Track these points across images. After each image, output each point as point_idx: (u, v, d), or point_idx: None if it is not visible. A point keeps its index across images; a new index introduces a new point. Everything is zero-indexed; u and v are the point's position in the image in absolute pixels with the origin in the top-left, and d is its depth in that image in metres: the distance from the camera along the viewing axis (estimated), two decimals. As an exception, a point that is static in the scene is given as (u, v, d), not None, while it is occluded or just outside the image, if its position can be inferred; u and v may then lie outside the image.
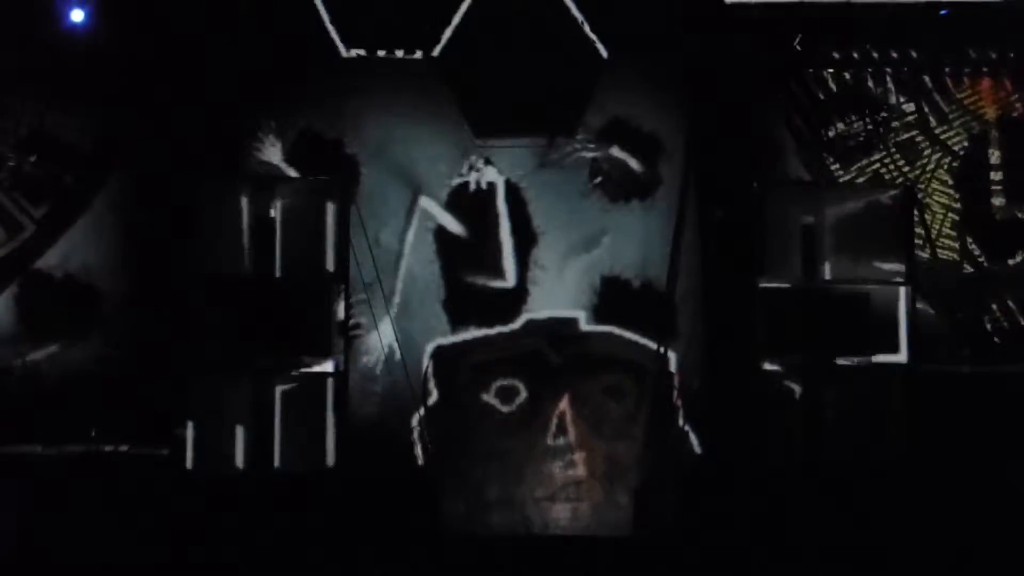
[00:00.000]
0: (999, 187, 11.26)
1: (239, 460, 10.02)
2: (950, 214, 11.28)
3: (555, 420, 10.78)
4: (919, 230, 10.77)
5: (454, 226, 11.16)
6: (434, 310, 11.04)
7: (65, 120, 11.11)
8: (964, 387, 10.60)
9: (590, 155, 11.16)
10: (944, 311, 11.07)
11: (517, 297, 11.10)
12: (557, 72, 11.06)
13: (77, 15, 10.89)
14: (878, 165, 11.33)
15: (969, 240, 11.24)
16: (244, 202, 10.12)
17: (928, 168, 11.31)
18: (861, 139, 11.29)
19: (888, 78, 11.30)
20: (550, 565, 10.08)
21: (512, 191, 11.16)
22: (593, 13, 11.09)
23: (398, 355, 10.75)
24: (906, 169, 11.32)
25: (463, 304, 11.06)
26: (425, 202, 11.14)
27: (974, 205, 11.27)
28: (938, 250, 11.20)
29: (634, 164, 11.17)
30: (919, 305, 10.42)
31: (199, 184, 10.16)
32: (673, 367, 10.79)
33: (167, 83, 10.95)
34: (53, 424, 10.46)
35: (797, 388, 10.15)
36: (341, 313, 10.14)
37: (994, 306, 11.19)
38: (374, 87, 11.14)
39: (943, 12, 11.04)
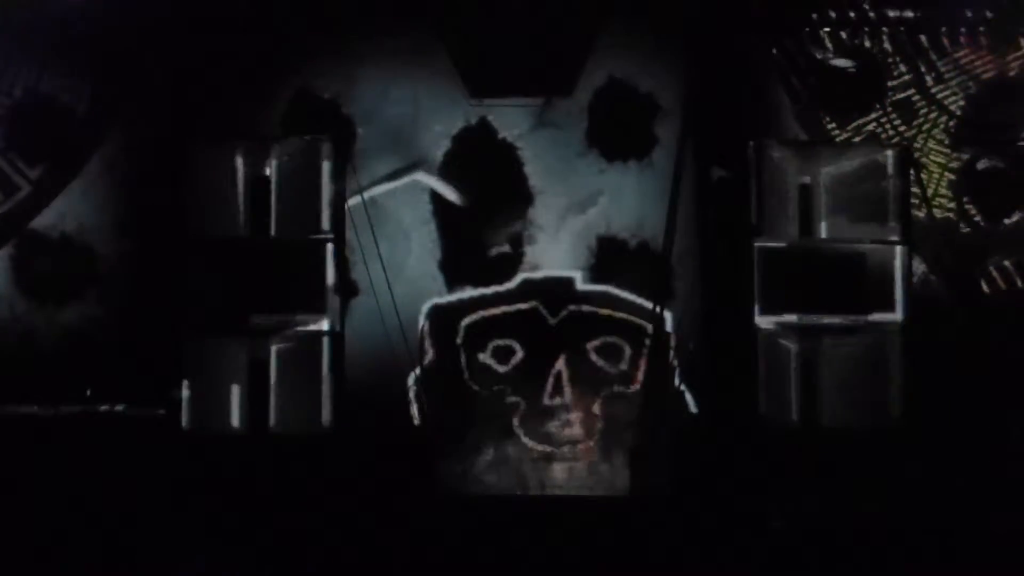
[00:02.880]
0: (996, 147, 11.24)
1: (235, 420, 10.05)
2: (947, 174, 11.26)
3: (551, 380, 10.78)
4: (915, 189, 10.77)
5: (450, 185, 11.14)
6: (430, 269, 11.03)
7: (61, 81, 11.08)
8: (959, 347, 10.63)
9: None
10: (940, 271, 11.06)
11: (513, 257, 11.09)
12: (554, 31, 11.01)
13: (72, -26, 10.84)
14: (874, 125, 11.30)
15: (965, 199, 11.22)
16: (239, 162, 10.12)
17: (924, 127, 11.29)
18: (858, 99, 11.27)
19: (885, 37, 11.27)
20: (546, 524, 10.11)
21: (508, 151, 11.15)
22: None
23: (394, 315, 10.74)
24: (903, 128, 11.30)
25: (459, 264, 11.06)
26: (421, 161, 11.12)
27: (971, 165, 11.24)
28: (934, 210, 11.18)
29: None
30: (915, 265, 10.45)
31: (194, 144, 10.17)
32: (669, 327, 10.79)
33: (164, 43, 10.93)
34: (49, 385, 10.49)
35: (793, 347, 10.19)
36: (337, 273, 10.16)
37: (990, 266, 11.18)
38: (371, 46, 11.10)
39: None
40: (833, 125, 11.24)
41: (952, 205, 11.22)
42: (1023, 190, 11.18)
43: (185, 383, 9.91)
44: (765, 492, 9.83)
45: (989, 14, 11.16)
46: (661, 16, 11.01)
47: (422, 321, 10.89)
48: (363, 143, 11.06)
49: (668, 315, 10.86)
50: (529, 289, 10.93)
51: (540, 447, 10.78)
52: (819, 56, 11.13)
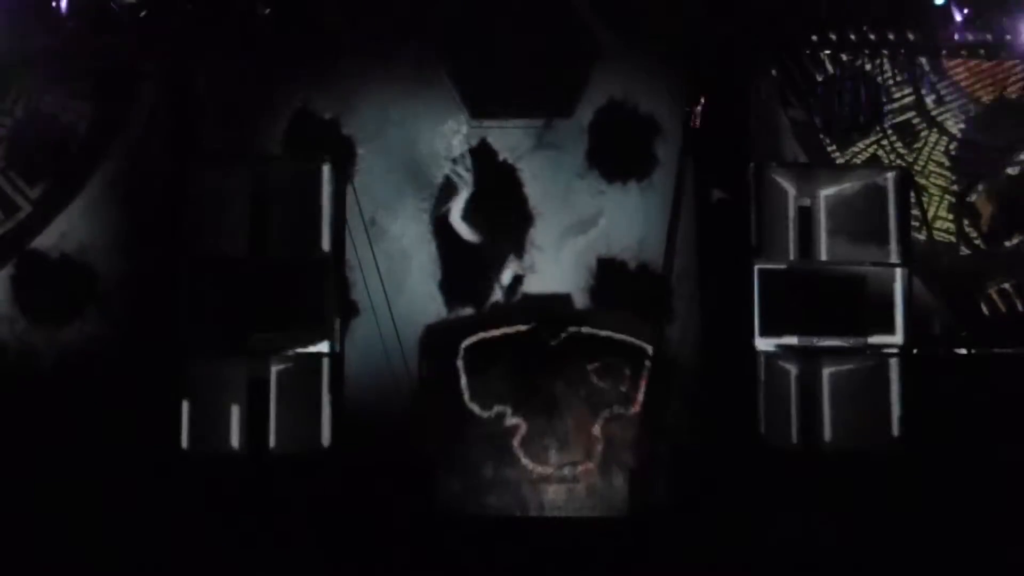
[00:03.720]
0: (996, 169, 11.27)
1: (235, 440, 10.03)
2: (946, 196, 11.28)
3: (551, 401, 10.77)
4: (915, 212, 10.78)
5: (450, 206, 11.16)
6: (429, 290, 11.04)
7: (61, 100, 11.10)
8: (960, 369, 10.62)
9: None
10: (940, 293, 11.07)
11: (513, 277, 11.09)
12: (554, 53, 11.05)
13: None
14: (875, 147, 11.32)
15: (965, 222, 11.24)
16: (240, 181, 10.12)
17: (925, 150, 11.30)
18: (858, 121, 11.28)
19: (885, 60, 11.29)
20: (545, 546, 10.10)
21: (509, 172, 11.16)
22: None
23: (393, 335, 10.74)
24: (903, 151, 11.32)
25: (458, 284, 11.07)
26: (421, 182, 11.14)
27: (971, 187, 11.26)
28: (934, 232, 11.20)
29: None
30: (915, 287, 10.44)
31: (194, 164, 10.17)
32: (669, 348, 10.79)
33: (164, 62, 10.96)
34: (49, 403, 10.48)
35: (793, 369, 10.18)
36: (337, 293, 10.16)
37: (990, 288, 11.19)
38: (371, 67, 11.12)
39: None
40: (833, 148, 11.27)
41: (952, 227, 11.24)
42: (1023, 213, 11.20)
43: (185, 403, 9.89)
44: (765, 513, 9.82)
45: (989, 37, 11.18)
46: (661, 39, 11.03)
47: (421, 341, 10.89)
48: (363, 163, 11.09)
49: (668, 336, 10.85)
50: (529, 310, 10.93)
51: (540, 468, 10.76)
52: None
